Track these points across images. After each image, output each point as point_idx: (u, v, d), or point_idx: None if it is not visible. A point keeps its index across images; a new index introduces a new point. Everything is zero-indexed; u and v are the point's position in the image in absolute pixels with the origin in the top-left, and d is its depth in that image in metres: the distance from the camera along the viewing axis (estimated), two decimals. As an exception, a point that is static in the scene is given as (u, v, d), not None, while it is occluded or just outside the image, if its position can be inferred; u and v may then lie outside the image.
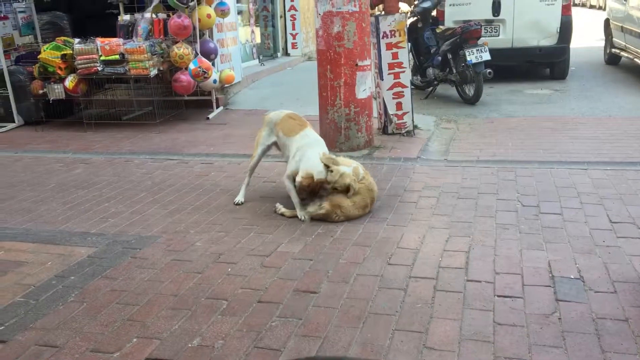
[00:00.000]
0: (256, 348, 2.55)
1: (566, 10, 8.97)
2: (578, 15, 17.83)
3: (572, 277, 3.06)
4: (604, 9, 13.05)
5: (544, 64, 10.02)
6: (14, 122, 7.71)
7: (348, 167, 4.06)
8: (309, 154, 4.07)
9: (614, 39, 10.47)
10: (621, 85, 8.93)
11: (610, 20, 10.71)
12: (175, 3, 6.89)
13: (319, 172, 3.99)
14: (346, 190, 3.98)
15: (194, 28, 7.16)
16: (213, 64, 7.49)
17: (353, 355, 0.61)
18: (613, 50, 10.55)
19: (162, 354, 2.54)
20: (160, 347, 2.59)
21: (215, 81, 7.53)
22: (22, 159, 6.17)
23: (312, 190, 4.02)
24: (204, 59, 7.16)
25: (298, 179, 4.03)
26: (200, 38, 7.29)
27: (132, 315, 2.88)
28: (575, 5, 30.51)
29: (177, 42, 7.15)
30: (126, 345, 2.62)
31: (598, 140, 5.80)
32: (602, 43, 11.49)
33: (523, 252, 3.38)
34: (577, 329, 2.59)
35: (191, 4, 7.07)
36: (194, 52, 7.19)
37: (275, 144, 4.45)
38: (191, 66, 7.06)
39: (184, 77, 7.10)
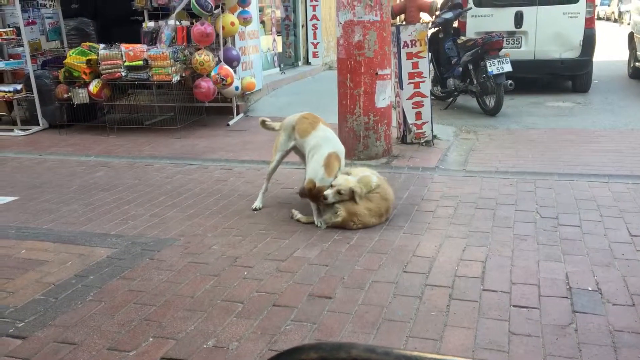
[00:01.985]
0: (270, 350, 2.57)
1: (589, 23, 8.90)
2: (602, 28, 17.67)
3: (589, 289, 3.03)
4: (626, 23, 12.92)
5: (566, 77, 9.94)
6: (38, 125, 7.85)
7: (355, 176, 4.13)
8: (314, 158, 4.11)
9: (638, 52, 10.37)
10: (645, 99, 8.83)
11: (635, 34, 10.61)
12: (199, 10, 6.98)
13: (320, 179, 4.01)
14: (351, 194, 4.00)
15: (217, 35, 7.25)
16: (235, 72, 7.57)
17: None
18: (637, 64, 10.43)
19: (177, 354, 2.56)
20: (175, 347, 2.62)
21: (237, 88, 7.61)
22: (45, 162, 6.28)
23: (313, 196, 4.03)
24: (225, 66, 7.23)
25: (304, 184, 4.09)
26: (223, 46, 7.37)
27: (149, 315, 2.91)
28: (599, 19, 30.28)
29: (199, 49, 7.24)
30: (142, 344, 2.65)
31: (620, 153, 5.74)
32: (626, 57, 11.38)
33: (540, 263, 3.36)
34: (594, 340, 2.56)
35: (215, 11, 7.17)
36: (216, 59, 7.27)
37: (294, 148, 4.46)
38: (212, 73, 7.15)
39: (203, 84, 7.18)
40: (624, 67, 11.48)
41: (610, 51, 14.24)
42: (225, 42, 7.49)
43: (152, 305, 3.02)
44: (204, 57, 7.11)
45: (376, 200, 4.07)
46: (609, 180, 4.87)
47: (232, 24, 7.36)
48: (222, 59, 7.31)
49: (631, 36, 10.91)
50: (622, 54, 12.03)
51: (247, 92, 8.39)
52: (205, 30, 7.04)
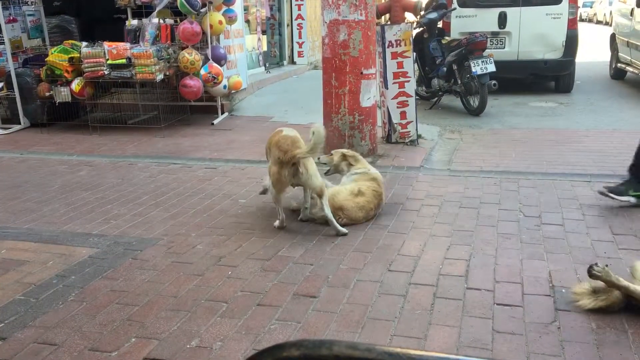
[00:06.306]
0: (254, 350, 2.55)
1: (572, 24, 8.99)
2: (584, 30, 17.85)
3: (572, 287, 3.05)
4: (611, 24, 13.10)
5: (549, 77, 10.03)
6: (20, 123, 7.75)
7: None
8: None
9: (619, 53, 10.48)
10: (626, 100, 8.93)
11: (617, 35, 10.74)
12: (188, 9, 6.93)
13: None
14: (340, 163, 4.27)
15: (204, 34, 7.21)
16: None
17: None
18: (619, 65, 10.56)
19: (160, 354, 2.54)
20: (158, 347, 2.60)
21: (225, 87, 7.60)
22: (27, 160, 6.20)
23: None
24: (214, 64, 7.20)
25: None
26: (211, 44, 7.34)
27: (131, 315, 2.88)
28: (582, 20, 30.70)
29: (184, 48, 7.20)
30: (124, 344, 2.62)
31: (602, 153, 5.79)
32: (608, 58, 11.51)
33: (524, 261, 3.38)
34: (577, 338, 2.58)
35: (202, 10, 7.13)
36: (204, 58, 7.24)
37: None
38: (202, 72, 7.12)
39: (192, 83, 7.14)
40: (606, 67, 11.60)
41: (593, 52, 14.38)
42: (212, 41, 7.45)
43: (135, 305, 2.99)
44: (194, 56, 7.07)
45: (369, 194, 4.09)
46: (592, 179, 4.91)
47: (220, 22, 7.33)
48: (210, 58, 7.27)
49: (613, 37, 11.04)
50: (604, 55, 12.15)
51: (234, 91, 8.36)
52: (194, 29, 7.01)
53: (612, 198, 4.07)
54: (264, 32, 12.08)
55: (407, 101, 6.23)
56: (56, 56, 7.20)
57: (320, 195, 3.86)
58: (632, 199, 4.10)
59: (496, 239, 3.71)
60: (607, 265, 2.81)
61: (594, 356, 2.45)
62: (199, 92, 7.26)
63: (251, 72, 10.32)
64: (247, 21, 10.76)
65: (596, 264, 2.83)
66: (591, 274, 2.80)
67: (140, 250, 3.70)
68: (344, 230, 3.86)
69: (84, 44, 7.23)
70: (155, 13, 7.42)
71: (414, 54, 6.95)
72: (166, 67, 7.24)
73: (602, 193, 4.07)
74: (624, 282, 2.75)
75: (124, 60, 7.01)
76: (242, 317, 2.83)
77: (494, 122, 7.58)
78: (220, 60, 7.45)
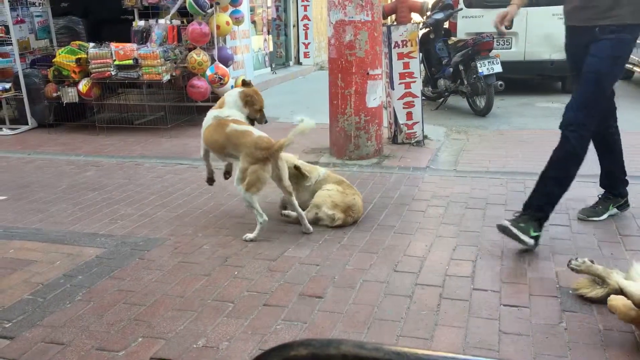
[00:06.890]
0: (260, 350, 2.55)
1: (579, 24, 8.95)
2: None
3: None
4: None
5: (555, 78, 10.00)
6: (27, 124, 7.79)
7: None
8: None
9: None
10: (633, 100, 8.89)
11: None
12: (197, 10, 6.94)
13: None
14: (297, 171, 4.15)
15: (211, 35, 7.24)
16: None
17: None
18: (626, 65, 10.51)
19: (167, 354, 2.55)
20: (165, 347, 2.61)
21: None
22: (34, 161, 6.24)
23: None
24: (220, 65, 7.23)
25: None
26: (217, 45, 7.37)
27: (138, 315, 2.90)
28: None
29: (191, 49, 7.22)
30: (131, 344, 2.63)
31: (609, 154, 5.76)
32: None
33: (530, 262, 3.37)
34: (583, 339, 2.58)
35: (209, 11, 7.16)
36: (211, 58, 7.27)
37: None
38: (208, 72, 7.14)
39: (200, 83, 7.16)
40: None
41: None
42: (218, 42, 7.47)
43: (142, 305, 3.00)
44: (202, 57, 7.10)
45: (345, 184, 4.19)
46: (598, 180, 4.88)
47: (227, 23, 7.35)
48: (217, 59, 7.30)
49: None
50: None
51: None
52: (203, 30, 7.03)
53: (594, 221, 4.03)
54: (269, 33, 12.10)
55: (413, 102, 6.23)
56: (63, 57, 7.24)
57: (290, 193, 3.93)
58: (615, 211, 4.08)
59: (502, 240, 3.70)
60: (592, 261, 2.85)
61: (600, 357, 2.45)
62: (206, 93, 7.28)
63: (257, 72, 10.36)
64: (253, 22, 10.79)
65: (576, 258, 2.89)
66: (570, 268, 2.87)
67: (147, 250, 3.72)
68: (311, 228, 3.93)
69: (91, 44, 7.27)
70: (169, 16, 7.45)
71: (420, 54, 6.95)
72: (173, 68, 7.26)
73: (581, 219, 4.04)
74: (615, 278, 2.70)
75: (130, 61, 7.04)
76: (249, 317, 2.84)
77: (500, 123, 7.57)
78: (227, 61, 7.48)
